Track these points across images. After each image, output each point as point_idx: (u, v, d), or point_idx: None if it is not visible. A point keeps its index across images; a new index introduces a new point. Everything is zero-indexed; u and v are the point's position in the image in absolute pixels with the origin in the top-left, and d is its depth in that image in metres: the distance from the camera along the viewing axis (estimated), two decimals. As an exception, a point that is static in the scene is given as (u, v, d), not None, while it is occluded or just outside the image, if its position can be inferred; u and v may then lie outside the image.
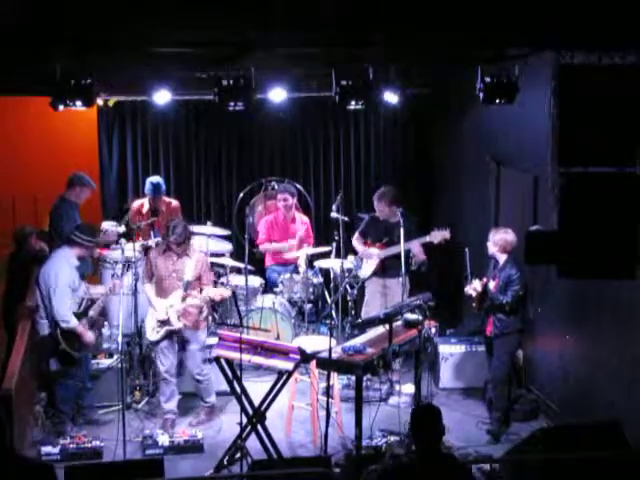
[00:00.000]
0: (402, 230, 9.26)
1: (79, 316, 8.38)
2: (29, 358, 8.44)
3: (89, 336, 8.44)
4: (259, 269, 11.00)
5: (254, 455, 7.59)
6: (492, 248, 8.49)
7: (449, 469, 5.41)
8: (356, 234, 10.14)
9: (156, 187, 10.48)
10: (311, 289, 10.45)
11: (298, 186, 11.38)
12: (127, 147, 11.79)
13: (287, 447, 8.28)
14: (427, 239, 9.50)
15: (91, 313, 8.52)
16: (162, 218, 10.27)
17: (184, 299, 8.55)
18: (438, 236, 9.43)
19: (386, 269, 9.79)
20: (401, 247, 9.24)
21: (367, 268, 9.98)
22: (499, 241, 8.40)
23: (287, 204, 10.74)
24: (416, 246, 9.53)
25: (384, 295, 9.84)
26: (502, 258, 8.44)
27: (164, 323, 8.54)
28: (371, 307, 9.88)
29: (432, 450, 5.36)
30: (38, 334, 8.50)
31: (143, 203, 10.63)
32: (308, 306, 10.43)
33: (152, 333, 8.60)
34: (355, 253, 10.32)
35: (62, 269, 8.34)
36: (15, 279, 9.34)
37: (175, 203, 10.75)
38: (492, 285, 8.42)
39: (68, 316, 8.28)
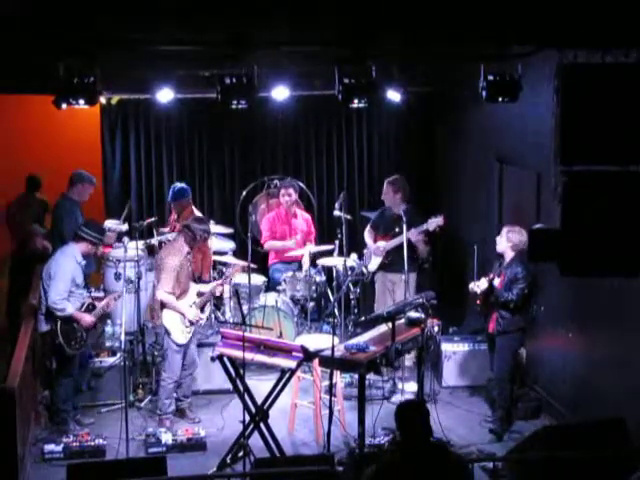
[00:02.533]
0: (404, 225, 9.31)
1: None
2: (32, 356, 8.45)
3: (86, 319, 8.37)
4: (262, 267, 11.01)
5: (257, 453, 7.60)
6: (504, 245, 8.44)
7: (442, 462, 5.42)
8: (368, 227, 10.29)
9: (174, 193, 10.49)
10: (314, 287, 10.45)
11: (301, 184, 11.39)
12: (130, 145, 11.80)
13: (290, 445, 8.29)
14: (424, 227, 9.58)
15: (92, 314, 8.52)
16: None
17: (199, 294, 8.70)
18: (433, 223, 9.54)
19: (391, 264, 9.83)
20: (404, 240, 9.29)
21: (375, 261, 10.04)
22: (514, 240, 8.36)
23: (290, 199, 10.75)
24: (414, 235, 9.58)
25: (391, 291, 9.87)
26: (509, 256, 8.43)
27: (192, 323, 8.61)
28: (380, 303, 9.92)
29: (423, 444, 5.40)
30: (38, 331, 8.50)
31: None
32: (311, 304, 10.44)
33: (182, 336, 8.56)
34: (362, 248, 10.40)
35: (66, 261, 8.36)
36: (20, 278, 9.34)
37: (197, 214, 10.58)
38: (497, 282, 8.42)
39: (61, 304, 8.23)
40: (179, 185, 10.66)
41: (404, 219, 9.37)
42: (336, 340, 7.79)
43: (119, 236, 9.97)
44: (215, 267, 10.51)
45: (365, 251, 10.41)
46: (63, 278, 8.28)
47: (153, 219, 10.46)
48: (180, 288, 8.54)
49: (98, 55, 7.00)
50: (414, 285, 9.91)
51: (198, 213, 10.49)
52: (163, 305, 8.52)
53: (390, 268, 9.92)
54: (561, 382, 8.78)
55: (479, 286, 8.49)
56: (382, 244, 9.96)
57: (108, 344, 9.59)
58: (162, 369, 8.71)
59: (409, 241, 9.54)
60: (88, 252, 8.57)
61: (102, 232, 8.76)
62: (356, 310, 10.62)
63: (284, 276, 10.50)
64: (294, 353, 7.80)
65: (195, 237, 8.61)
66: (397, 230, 9.72)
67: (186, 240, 8.60)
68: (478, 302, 8.62)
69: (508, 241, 8.42)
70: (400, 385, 9.25)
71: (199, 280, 9.08)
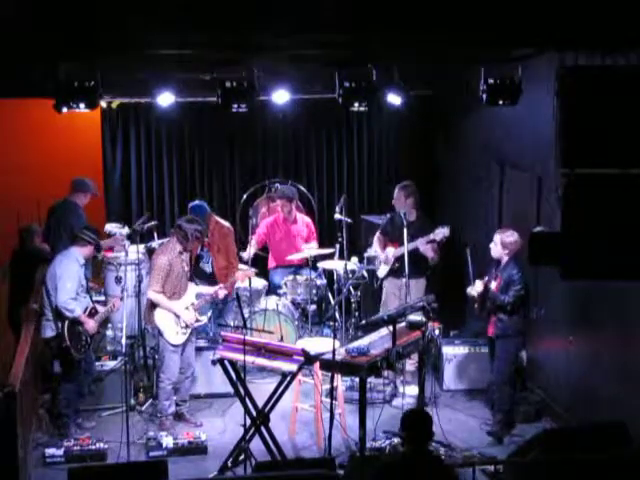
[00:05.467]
0: (405, 231, 9.30)
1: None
2: (33, 360, 8.45)
3: (91, 324, 8.43)
4: (263, 271, 11.00)
5: (258, 457, 7.60)
6: (500, 251, 8.43)
7: (435, 470, 5.64)
8: (377, 233, 10.23)
9: (193, 210, 9.98)
10: (314, 291, 10.45)
11: (301, 187, 11.38)
12: (130, 149, 11.81)
13: (291, 449, 8.29)
14: (431, 237, 9.55)
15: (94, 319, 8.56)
16: (212, 241, 9.96)
17: (197, 295, 8.69)
18: (439, 234, 9.50)
19: (400, 270, 9.79)
20: (405, 249, 9.28)
21: (384, 267, 10.00)
22: (511, 245, 8.36)
23: (284, 209, 10.72)
24: (422, 244, 9.56)
25: (399, 297, 9.83)
26: (505, 259, 8.44)
27: (188, 325, 8.60)
28: (387, 308, 9.87)
29: (422, 450, 5.64)
30: (42, 336, 8.50)
31: None
32: (312, 308, 10.43)
33: (177, 337, 8.55)
34: (364, 252, 10.38)
35: (70, 263, 8.39)
36: (20, 278, 9.33)
37: (227, 228, 10.26)
38: (494, 285, 8.42)
39: (71, 304, 8.30)
40: (196, 202, 10.27)
41: (405, 227, 9.34)
42: (337, 343, 7.79)
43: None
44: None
45: (366, 254, 10.40)
46: (70, 279, 8.32)
47: (154, 222, 10.44)
48: (172, 288, 8.54)
49: (98, 59, 7.01)
50: (423, 290, 9.86)
51: (226, 224, 10.32)
52: (154, 305, 8.53)
53: (398, 274, 9.87)
54: (562, 385, 8.77)
55: (475, 290, 8.50)
56: (391, 251, 9.91)
57: (109, 348, 9.59)
58: (160, 371, 8.71)
59: (418, 249, 9.54)
60: (89, 255, 8.59)
61: (98, 235, 8.80)
62: (357, 313, 10.62)
63: (285, 280, 10.50)
64: (295, 356, 7.80)
65: (187, 236, 8.53)
66: (409, 238, 9.65)
67: (178, 240, 8.58)
68: (476, 306, 8.63)
69: (503, 247, 8.41)
70: (401, 388, 9.24)
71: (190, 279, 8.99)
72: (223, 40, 6.76)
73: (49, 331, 8.39)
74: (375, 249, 10.23)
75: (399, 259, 9.74)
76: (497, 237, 8.49)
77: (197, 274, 9.46)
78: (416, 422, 5.76)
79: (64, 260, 8.44)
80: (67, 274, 8.32)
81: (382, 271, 10.06)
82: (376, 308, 10.20)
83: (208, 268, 10.02)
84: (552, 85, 6.88)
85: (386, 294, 10.10)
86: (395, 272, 9.90)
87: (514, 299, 8.29)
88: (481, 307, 8.57)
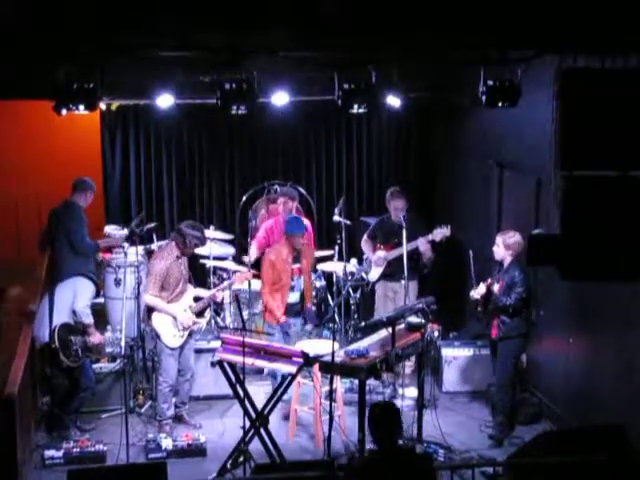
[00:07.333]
0: (404, 232, 9.29)
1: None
2: (32, 362, 8.44)
3: (97, 337, 8.63)
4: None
5: (257, 459, 7.60)
6: (503, 253, 8.42)
7: (410, 462, 5.75)
8: (365, 237, 10.18)
9: (290, 224, 9.35)
10: (314, 292, 10.44)
11: (301, 189, 11.37)
12: (130, 151, 11.80)
13: (290, 451, 8.26)
14: (429, 237, 9.54)
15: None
16: (305, 264, 9.43)
17: (196, 299, 8.71)
18: (439, 234, 9.49)
19: (392, 273, 9.78)
20: (404, 249, 9.27)
21: (375, 271, 9.97)
22: (513, 245, 8.35)
23: (286, 207, 10.69)
24: (423, 244, 9.55)
25: (393, 300, 9.81)
26: (508, 261, 8.43)
27: (185, 327, 8.60)
28: (380, 312, 9.85)
29: (392, 446, 5.73)
30: (39, 342, 8.49)
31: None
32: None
33: (174, 339, 8.56)
34: (362, 254, 10.35)
35: (90, 282, 8.77)
36: None
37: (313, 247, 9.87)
38: (496, 288, 8.42)
39: (88, 310, 8.54)
40: (295, 216, 9.84)
41: (404, 228, 9.33)
42: (336, 345, 7.78)
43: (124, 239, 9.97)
44: (215, 272, 10.50)
45: (365, 257, 10.39)
46: (89, 291, 8.66)
47: (153, 224, 10.44)
48: (170, 292, 8.54)
49: (98, 61, 7.01)
50: (415, 293, 9.86)
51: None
52: (151, 309, 8.54)
53: (391, 277, 9.86)
54: (561, 387, 8.77)
55: (478, 292, 8.49)
56: (382, 254, 9.88)
57: (108, 350, 9.58)
58: (158, 373, 8.71)
59: (414, 249, 9.52)
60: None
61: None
62: (356, 315, 10.61)
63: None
64: (294, 358, 7.81)
65: (185, 241, 8.55)
66: (397, 240, 9.64)
67: (177, 244, 8.60)
68: (479, 309, 8.62)
69: (507, 248, 8.40)
70: (400, 390, 9.24)
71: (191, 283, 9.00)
72: (222, 42, 6.77)
73: (46, 336, 8.39)
74: (365, 253, 10.20)
75: (391, 262, 9.73)
76: (499, 239, 8.48)
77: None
78: (380, 421, 5.82)
79: (83, 279, 8.75)
80: (89, 288, 8.66)
81: (374, 274, 10.02)
82: (372, 310, 10.20)
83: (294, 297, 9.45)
84: (551, 87, 6.88)
85: (379, 297, 10.07)
86: (387, 275, 9.89)
87: (516, 301, 8.29)
88: (484, 309, 8.57)
